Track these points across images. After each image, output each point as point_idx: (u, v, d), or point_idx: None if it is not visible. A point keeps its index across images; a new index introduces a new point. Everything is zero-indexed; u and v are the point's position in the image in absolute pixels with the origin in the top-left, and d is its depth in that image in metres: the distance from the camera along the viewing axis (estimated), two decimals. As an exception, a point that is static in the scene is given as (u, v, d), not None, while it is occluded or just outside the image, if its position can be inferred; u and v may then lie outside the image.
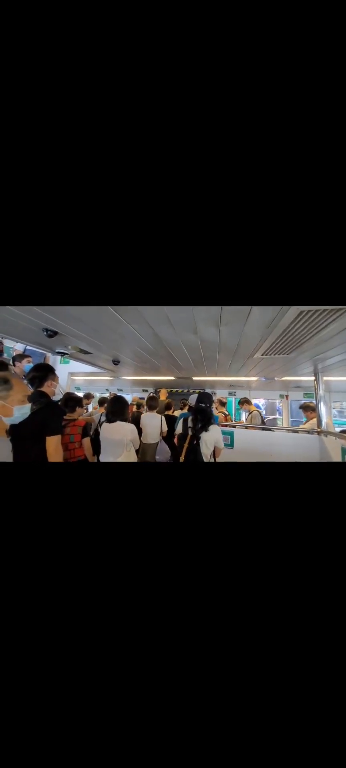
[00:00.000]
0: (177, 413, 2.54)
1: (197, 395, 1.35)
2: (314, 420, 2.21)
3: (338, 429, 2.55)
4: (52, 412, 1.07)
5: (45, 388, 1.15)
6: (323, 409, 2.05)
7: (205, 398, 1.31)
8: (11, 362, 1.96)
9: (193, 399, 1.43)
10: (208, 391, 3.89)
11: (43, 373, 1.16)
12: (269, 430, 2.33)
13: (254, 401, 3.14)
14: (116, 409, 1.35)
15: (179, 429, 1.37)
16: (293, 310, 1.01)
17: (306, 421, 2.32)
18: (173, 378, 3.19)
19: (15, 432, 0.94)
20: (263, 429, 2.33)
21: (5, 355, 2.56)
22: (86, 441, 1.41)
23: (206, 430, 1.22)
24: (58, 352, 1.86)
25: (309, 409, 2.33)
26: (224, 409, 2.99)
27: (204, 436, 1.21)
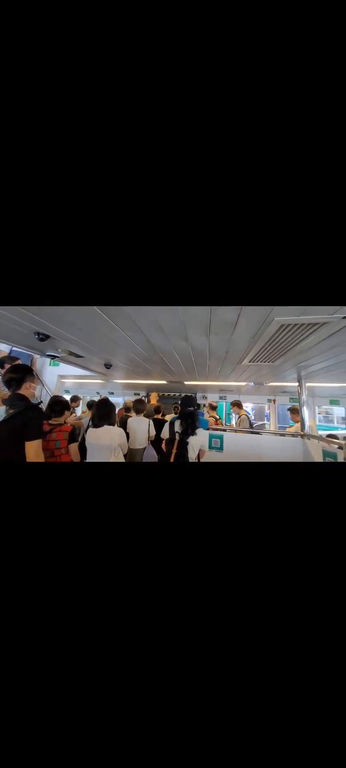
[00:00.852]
0: (169, 417, 2.56)
1: (182, 399, 1.38)
2: (299, 424, 2.34)
3: (323, 434, 2.71)
4: (31, 416, 1.02)
5: (23, 391, 1.09)
6: (306, 413, 2.18)
7: (191, 401, 1.34)
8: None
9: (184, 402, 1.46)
10: (198, 394, 3.95)
11: (20, 374, 1.10)
12: (258, 433, 2.43)
13: (244, 405, 3.24)
14: (103, 413, 1.31)
15: (165, 433, 1.38)
16: (275, 323, 1.08)
17: (293, 424, 2.45)
18: (165, 382, 3.22)
19: None
20: (252, 432, 2.42)
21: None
22: (73, 446, 1.35)
23: (194, 434, 1.25)
24: (49, 355, 1.82)
25: (296, 412, 2.46)
26: (214, 413, 3.06)
27: (191, 440, 1.24)
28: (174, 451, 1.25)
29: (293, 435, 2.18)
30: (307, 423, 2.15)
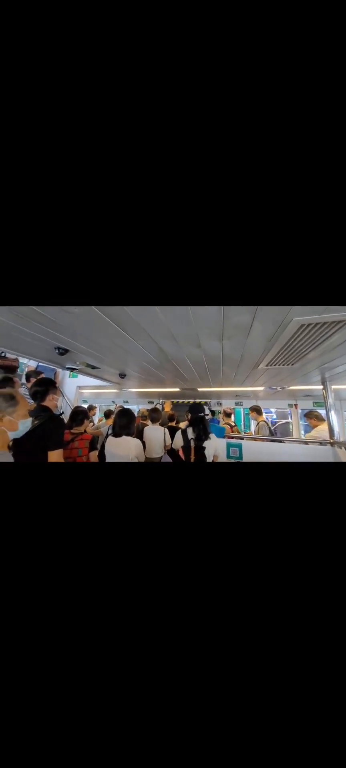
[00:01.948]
0: (182, 425, 2.53)
1: (190, 406, 1.39)
2: (321, 428, 2.12)
3: None
4: (54, 426, 1.09)
5: (47, 402, 1.18)
6: (334, 418, 1.98)
7: (200, 408, 1.35)
8: (24, 378, 2.08)
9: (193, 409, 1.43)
10: (213, 401, 3.86)
11: (44, 387, 1.19)
12: (280, 441, 2.26)
13: (264, 411, 3.07)
14: (123, 422, 1.35)
15: (179, 441, 1.39)
16: (294, 323, 1.02)
17: (311, 430, 2.24)
18: (178, 389, 3.21)
19: (17, 447, 0.96)
20: (273, 440, 2.27)
21: (19, 372, 2.71)
22: (94, 454, 1.43)
23: (208, 438, 1.27)
24: (68, 368, 1.95)
25: (313, 417, 2.25)
26: (230, 420, 2.94)
27: (206, 444, 1.25)
28: (192, 458, 1.25)
29: (321, 443, 1.99)
30: (336, 429, 1.94)
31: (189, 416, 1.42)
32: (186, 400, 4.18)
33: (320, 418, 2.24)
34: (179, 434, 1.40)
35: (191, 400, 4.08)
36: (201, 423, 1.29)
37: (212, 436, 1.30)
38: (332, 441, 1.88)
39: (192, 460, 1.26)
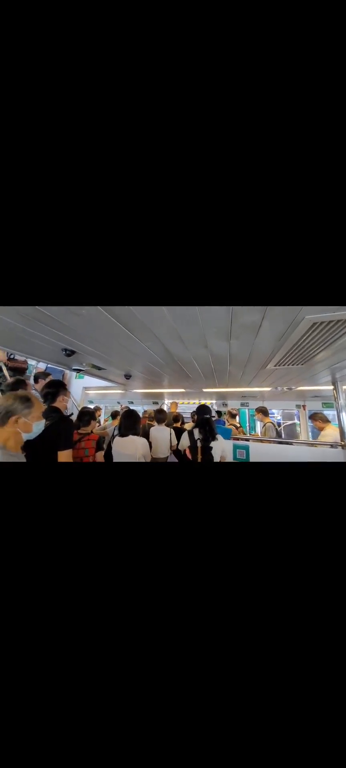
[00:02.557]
0: (188, 426, 2.52)
1: (197, 408, 1.40)
2: (328, 431, 2.05)
3: None
4: (64, 427, 1.12)
5: (57, 403, 1.21)
6: (345, 419, 1.91)
7: (206, 410, 1.36)
8: (32, 380, 2.12)
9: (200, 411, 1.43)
10: (218, 401, 3.83)
11: (55, 389, 1.23)
12: (288, 443, 2.21)
13: (270, 412, 3.02)
14: (129, 423, 1.38)
15: (185, 442, 1.39)
16: (306, 322, 0.99)
17: (318, 433, 2.17)
18: (182, 390, 3.19)
19: (29, 448, 0.99)
20: (281, 442, 2.21)
21: (28, 373, 2.77)
22: (100, 454, 1.45)
23: (215, 440, 1.27)
24: (75, 369, 1.98)
25: (318, 419, 2.18)
26: (235, 421, 2.90)
27: (213, 445, 1.26)
28: (199, 458, 1.26)
29: (331, 445, 1.92)
30: (347, 431, 1.88)
31: (195, 417, 1.43)
32: (191, 401, 4.16)
33: (324, 420, 2.18)
34: (185, 435, 1.41)
35: (196, 401, 4.07)
36: (207, 424, 1.29)
37: (219, 437, 1.30)
38: (343, 444, 1.82)
39: (199, 460, 1.25)
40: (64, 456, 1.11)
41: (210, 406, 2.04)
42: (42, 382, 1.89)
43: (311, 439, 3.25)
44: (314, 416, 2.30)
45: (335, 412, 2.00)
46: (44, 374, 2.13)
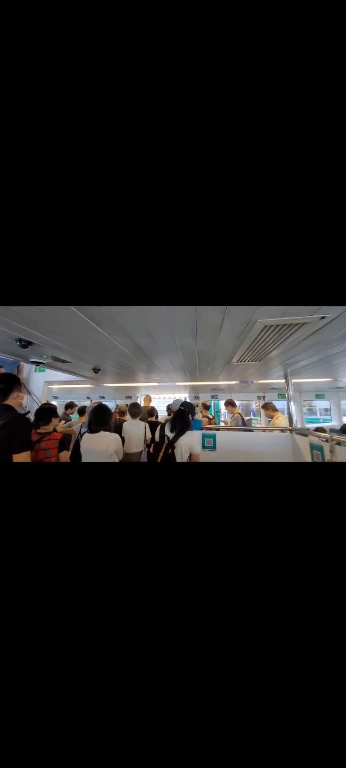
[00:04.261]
0: (162, 419, 2.56)
1: (180, 400, 1.39)
2: (277, 418, 2.41)
3: (310, 426, 2.81)
4: (17, 427, 1.01)
5: (11, 401, 1.07)
6: (293, 408, 2.26)
7: (185, 404, 1.37)
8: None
9: (176, 404, 1.43)
10: (191, 394, 3.98)
11: (7, 384, 1.08)
12: (249, 430, 2.49)
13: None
14: (100, 419, 1.31)
15: (156, 436, 1.39)
16: (259, 325, 1.12)
17: (271, 420, 2.53)
18: (156, 384, 3.22)
19: None
20: (242, 430, 2.48)
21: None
22: (64, 454, 1.33)
23: (183, 434, 1.24)
24: (33, 362, 1.77)
25: (269, 408, 2.55)
26: (207, 413, 3.10)
27: (179, 442, 1.23)
28: (161, 455, 1.24)
29: (282, 430, 2.26)
30: (295, 417, 2.23)
31: (170, 412, 1.44)
32: (165, 396, 4.22)
33: (274, 409, 2.57)
34: (157, 430, 1.39)
35: (170, 396, 4.14)
36: (178, 418, 1.28)
37: (190, 433, 1.28)
38: (290, 428, 2.16)
39: (161, 457, 1.23)
40: (21, 459, 1.01)
41: (189, 400, 2.06)
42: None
43: (267, 426, 3.73)
44: (265, 406, 2.67)
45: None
46: (-5, 368, 1.84)
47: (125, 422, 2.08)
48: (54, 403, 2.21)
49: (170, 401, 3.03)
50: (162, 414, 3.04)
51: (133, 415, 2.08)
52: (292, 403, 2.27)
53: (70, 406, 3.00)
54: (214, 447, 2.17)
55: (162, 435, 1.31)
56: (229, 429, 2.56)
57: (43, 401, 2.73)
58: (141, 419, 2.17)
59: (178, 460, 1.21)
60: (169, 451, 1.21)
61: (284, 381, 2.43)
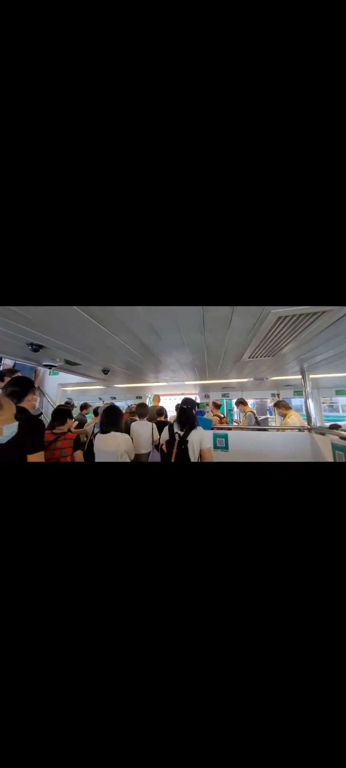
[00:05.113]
0: (172, 419, 2.54)
1: (188, 399, 1.37)
2: (290, 417, 2.25)
3: (327, 424, 2.60)
4: (31, 428, 1.03)
5: (25, 404, 1.12)
6: (311, 406, 2.10)
7: (187, 401, 1.33)
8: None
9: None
10: (201, 393, 3.91)
11: (22, 387, 1.12)
12: (263, 430, 2.36)
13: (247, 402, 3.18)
14: (110, 419, 1.33)
15: (165, 436, 1.38)
16: (272, 316, 1.04)
17: (284, 419, 2.36)
18: (165, 384, 3.20)
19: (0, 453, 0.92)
20: (255, 429, 2.37)
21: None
22: (78, 454, 1.37)
23: (194, 429, 1.24)
24: (46, 365, 1.84)
25: (281, 407, 2.38)
26: (218, 412, 3.01)
27: (190, 437, 1.23)
28: (174, 451, 1.24)
29: (300, 429, 2.11)
30: (313, 416, 2.07)
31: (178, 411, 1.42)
32: (175, 394, 4.20)
33: (287, 407, 2.38)
34: (165, 429, 1.39)
35: (180, 394, 4.11)
36: (184, 414, 1.27)
37: (199, 429, 1.28)
38: (309, 428, 2.01)
39: (174, 453, 1.24)
40: (35, 459, 1.04)
41: (194, 398, 2.04)
42: (9, 381, 1.73)
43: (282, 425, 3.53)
44: (277, 404, 2.49)
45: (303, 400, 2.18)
46: (11, 371, 1.94)
47: (134, 423, 2.08)
48: (72, 403, 2.23)
49: (179, 401, 2.99)
50: (172, 414, 3.02)
51: (141, 416, 2.07)
52: (310, 401, 2.11)
53: (84, 407, 3.09)
54: (226, 447, 2.09)
55: (172, 434, 1.30)
56: (242, 429, 2.46)
57: (58, 403, 2.85)
58: (151, 419, 2.16)
59: (190, 454, 1.21)
60: (182, 447, 1.21)
61: (300, 377, 2.27)
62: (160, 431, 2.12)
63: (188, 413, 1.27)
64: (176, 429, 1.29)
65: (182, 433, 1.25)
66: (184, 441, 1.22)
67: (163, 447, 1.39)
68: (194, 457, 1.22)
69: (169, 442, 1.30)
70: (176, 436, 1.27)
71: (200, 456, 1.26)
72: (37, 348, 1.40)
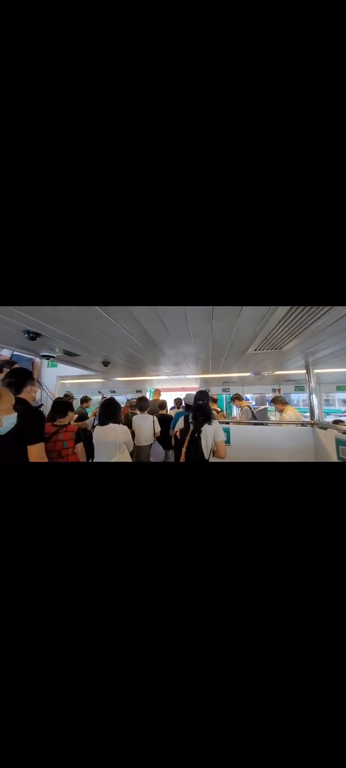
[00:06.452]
0: (172, 413, 2.51)
1: (193, 394, 1.39)
2: (288, 412, 2.24)
3: (328, 418, 2.60)
4: (31, 419, 1.01)
5: (24, 395, 1.09)
6: (315, 401, 2.09)
7: (202, 396, 1.37)
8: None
9: (189, 397, 1.42)
10: (201, 386, 3.91)
11: (20, 378, 1.09)
12: (263, 424, 2.35)
13: (245, 395, 3.17)
14: (108, 411, 1.35)
15: (180, 425, 1.42)
16: (282, 307, 1.00)
17: (281, 415, 2.35)
18: (166, 377, 3.16)
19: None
20: (257, 424, 2.35)
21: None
22: (80, 446, 1.37)
23: (209, 424, 1.28)
24: (44, 356, 1.78)
25: (278, 402, 2.36)
26: (215, 406, 3.00)
27: (205, 429, 1.26)
28: (188, 438, 1.27)
29: (302, 424, 2.10)
30: (316, 411, 2.07)
31: (180, 402, 1.43)
32: (175, 387, 4.17)
33: (284, 402, 2.37)
34: (181, 419, 1.43)
35: (181, 387, 4.09)
36: (202, 410, 1.31)
37: (214, 422, 1.32)
38: (312, 422, 2.00)
39: (187, 440, 1.27)
40: (35, 450, 1.01)
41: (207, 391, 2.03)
42: (7, 372, 1.66)
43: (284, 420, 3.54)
44: (274, 400, 2.47)
45: (306, 395, 2.17)
46: (9, 362, 1.88)
47: (135, 416, 2.08)
48: (72, 396, 2.20)
49: (179, 395, 2.97)
50: (172, 408, 2.99)
51: (141, 409, 2.08)
52: (313, 396, 2.10)
53: (85, 400, 3.05)
54: (228, 442, 2.08)
55: (187, 423, 1.35)
56: (242, 423, 2.44)
57: (56, 395, 2.79)
58: (152, 412, 2.15)
59: (203, 445, 1.25)
60: (196, 435, 1.26)
61: (302, 371, 2.25)
62: (162, 424, 2.15)
63: (205, 407, 1.31)
64: (192, 420, 1.31)
65: (193, 422, 1.29)
66: (198, 430, 1.25)
67: (178, 434, 1.42)
68: (206, 447, 1.25)
69: (184, 430, 1.34)
70: (191, 425, 1.29)
71: (214, 447, 1.29)
72: (34, 336, 1.34)
